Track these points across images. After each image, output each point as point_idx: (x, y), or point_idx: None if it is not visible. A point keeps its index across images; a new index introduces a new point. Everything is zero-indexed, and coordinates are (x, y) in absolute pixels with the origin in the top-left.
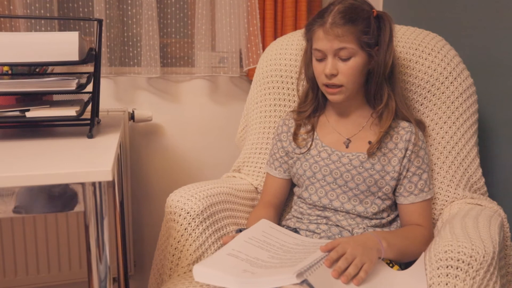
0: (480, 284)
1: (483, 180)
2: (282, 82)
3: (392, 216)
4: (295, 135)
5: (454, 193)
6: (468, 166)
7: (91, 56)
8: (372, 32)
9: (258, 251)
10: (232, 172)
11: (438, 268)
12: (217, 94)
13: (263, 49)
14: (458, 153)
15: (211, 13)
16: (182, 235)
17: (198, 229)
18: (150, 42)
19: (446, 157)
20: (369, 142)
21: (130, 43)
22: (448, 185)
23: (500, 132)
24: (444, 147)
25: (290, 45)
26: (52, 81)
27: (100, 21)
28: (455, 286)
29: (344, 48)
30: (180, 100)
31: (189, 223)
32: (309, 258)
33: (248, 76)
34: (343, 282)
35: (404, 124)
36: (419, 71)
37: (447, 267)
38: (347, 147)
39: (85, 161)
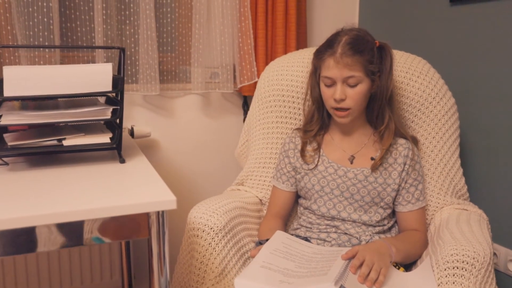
0: (481, 281)
1: (466, 187)
2: (284, 101)
3: (392, 222)
4: (303, 152)
5: (443, 200)
6: (454, 175)
7: (116, 82)
8: (376, 61)
9: (285, 262)
10: (236, 186)
11: (445, 270)
12: (210, 109)
13: (257, 66)
14: (445, 164)
15: (207, 32)
16: (206, 250)
17: (221, 243)
18: (149, 61)
19: (436, 168)
20: (372, 158)
21: (128, 61)
22: (438, 193)
23: (475, 144)
24: (433, 160)
25: (291, 66)
26: (90, 111)
27: (123, 50)
28: (461, 284)
29: (353, 77)
30: (175, 116)
31: (212, 238)
32: (335, 266)
33: (241, 92)
34: (368, 286)
35: (401, 141)
36: (410, 92)
37: (453, 268)
38: (351, 163)
39: (143, 191)
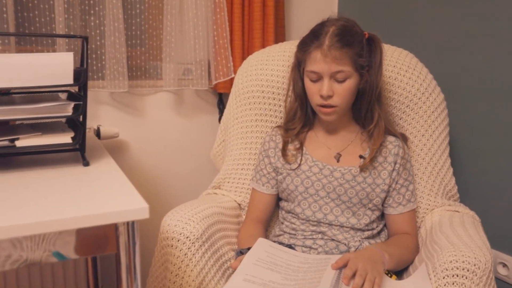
0: None
1: (456, 187)
2: (264, 98)
3: (381, 226)
4: (284, 151)
5: (434, 201)
6: (444, 175)
7: (78, 75)
8: (365, 54)
9: (270, 274)
10: (212, 189)
11: (444, 278)
12: (183, 108)
13: (233, 62)
14: (435, 164)
15: (180, 25)
16: (182, 261)
17: (198, 253)
18: (116, 56)
19: (426, 168)
20: (360, 156)
21: (94, 55)
22: (428, 194)
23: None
24: (423, 159)
25: (271, 60)
26: (47, 107)
27: (86, 38)
28: None
29: (341, 71)
30: (145, 115)
31: (188, 248)
32: (326, 277)
33: (216, 89)
34: None
35: (391, 138)
36: (398, 87)
37: (453, 276)
38: (338, 161)
39: (110, 198)
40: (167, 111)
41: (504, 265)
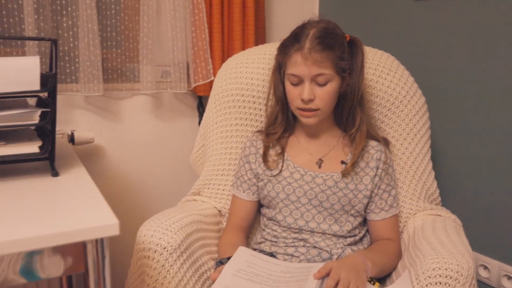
0: None
1: (438, 191)
2: (244, 101)
3: (363, 232)
4: (265, 157)
5: (416, 206)
6: (426, 179)
7: (47, 80)
8: (346, 57)
9: (251, 285)
10: (192, 196)
11: (427, 285)
12: (161, 111)
13: (213, 64)
14: (417, 168)
15: (157, 26)
16: (159, 273)
17: (176, 264)
18: (91, 58)
19: (408, 172)
20: (342, 162)
21: (67, 58)
22: (410, 198)
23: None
24: (405, 163)
25: (251, 63)
26: (12, 115)
27: (55, 41)
28: None
29: (322, 74)
30: (122, 119)
31: (166, 259)
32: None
33: (195, 92)
34: None
35: (373, 143)
36: (379, 90)
37: (436, 283)
38: (319, 167)
39: (78, 213)
40: (145, 115)
41: (485, 267)
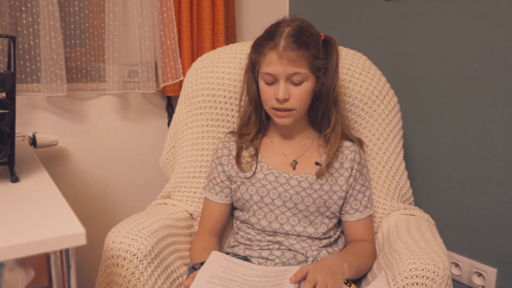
0: None
1: (411, 191)
2: (215, 102)
3: (338, 233)
4: (238, 158)
5: (390, 205)
6: (399, 179)
7: (4, 80)
8: (321, 56)
9: None
10: (162, 199)
11: (403, 286)
12: (129, 112)
13: (182, 64)
14: (390, 167)
15: (124, 24)
16: (129, 281)
17: (147, 271)
18: (53, 57)
19: (381, 172)
20: (316, 163)
21: (27, 56)
22: (384, 198)
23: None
24: (378, 163)
25: (222, 62)
26: None
27: (12, 38)
28: None
29: (298, 73)
30: (87, 120)
31: (136, 267)
32: None
33: (164, 92)
34: None
35: (347, 143)
36: (352, 90)
37: (413, 284)
38: (294, 168)
39: (40, 221)
40: (111, 116)
41: (456, 265)
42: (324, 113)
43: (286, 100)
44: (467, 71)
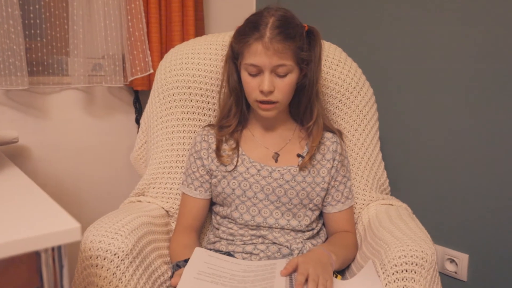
0: (430, 282)
1: (388, 181)
2: (190, 94)
3: (319, 225)
4: (218, 152)
5: (369, 196)
6: (377, 169)
7: None
8: (306, 48)
9: (214, 287)
10: (136, 197)
11: (393, 274)
12: (94, 107)
13: (151, 56)
14: (368, 158)
15: (89, 15)
16: (110, 282)
17: (128, 271)
18: (12, 47)
19: (360, 163)
20: (298, 155)
21: None
22: (363, 189)
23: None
24: (357, 154)
25: (197, 53)
26: None
27: None
28: None
29: (283, 65)
30: (50, 116)
31: (117, 267)
32: (277, 285)
33: (132, 86)
34: None
35: (328, 135)
36: (330, 81)
37: (403, 271)
38: (276, 161)
39: (24, 217)
40: (76, 111)
41: None
42: (307, 105)
43: (271, 92)
44: (441, 62)
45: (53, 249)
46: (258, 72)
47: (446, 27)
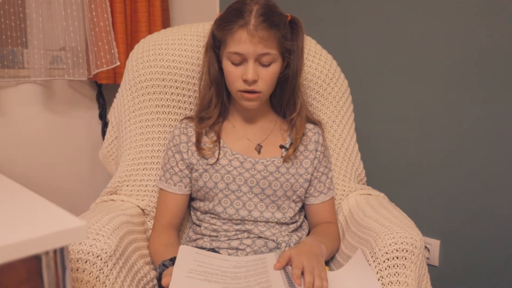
0: (419, 267)
1: (364, 171)
2: (165, 87)
3: (302, 217)
4: (199, 144)
5: (348, 187)
6: (354, 160)
7: None
8: (290, 38)
9: (208, 285)
10: (108, 195)
11: (384, 261)
12: (54, 102)
13: (117, 48)
14: (346, 149)
15: (48, 2)
16: (93, 286)
17: (112, 274)
18: None
19: (338, 154)
20: (281, 146)
21: None
22: (342, 180)
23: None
24: (335, 145)
25: (171, 44)
26: None
27: None
28: (404, 275)
29: (268, 54)
30: (5, 112)
31: (100, 270)
32: (275, 280)
33: (96, 79)
34: None
35: (310, 125)
36: (307, 73)
37: (394, 258)
38: (259, 153)
39: (24, 220)
40: (34, 107)
41: None
42: (290, 97)
43: (255, 81)
44: (415, 51)
45: (54, 251)
46: (241, 60)
47: (420, 19)
